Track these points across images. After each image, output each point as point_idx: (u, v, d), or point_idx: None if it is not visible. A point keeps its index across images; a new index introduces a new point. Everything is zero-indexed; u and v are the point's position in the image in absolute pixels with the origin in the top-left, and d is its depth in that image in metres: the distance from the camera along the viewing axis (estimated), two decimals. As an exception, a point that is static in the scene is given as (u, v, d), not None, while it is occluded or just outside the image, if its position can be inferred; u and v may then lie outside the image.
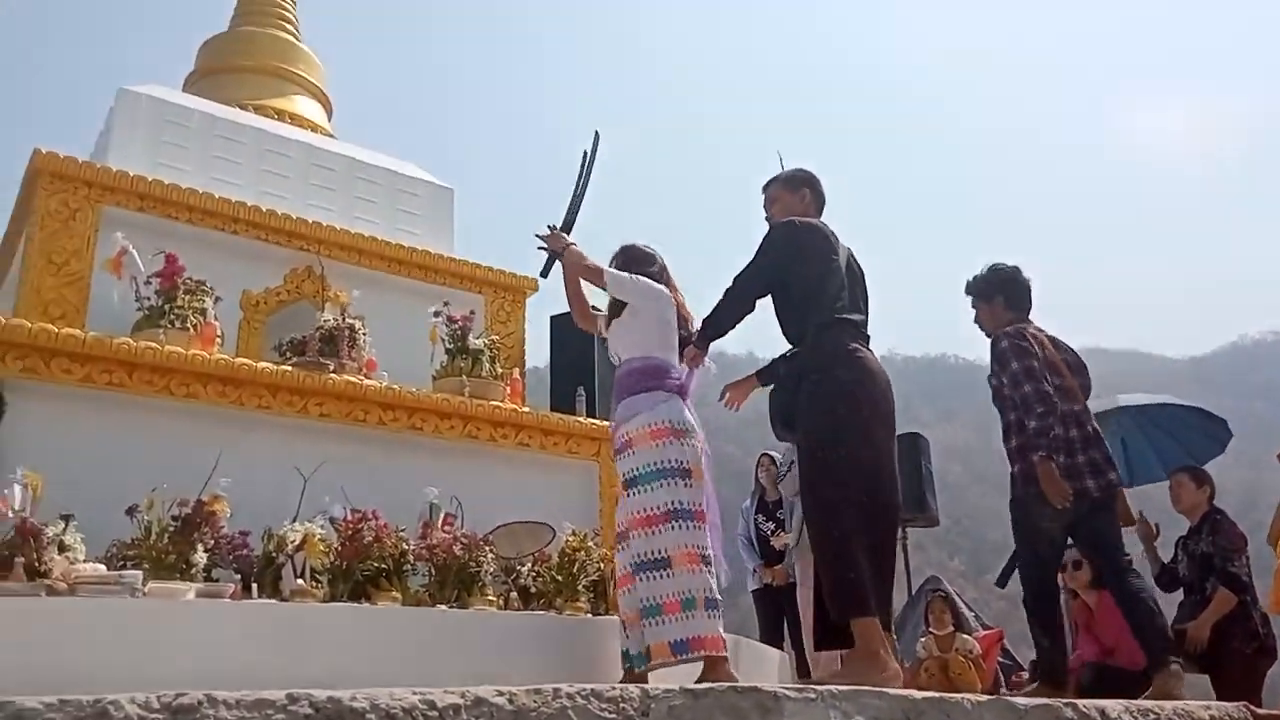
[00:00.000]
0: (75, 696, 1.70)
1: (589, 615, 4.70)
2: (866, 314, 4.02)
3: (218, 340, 5.29)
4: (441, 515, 4.95)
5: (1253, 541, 5.54)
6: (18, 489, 3.94)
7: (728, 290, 4.00)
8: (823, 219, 4.20)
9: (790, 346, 4.02)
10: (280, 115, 7.30)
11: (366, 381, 5.53)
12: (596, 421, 6.46)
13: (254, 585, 4.18)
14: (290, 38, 7.98)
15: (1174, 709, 3.09)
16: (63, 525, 3.97)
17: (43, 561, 3.78)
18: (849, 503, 3.63)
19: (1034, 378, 4.44)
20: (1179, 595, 5.51)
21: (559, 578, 4.83)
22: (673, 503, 3.62)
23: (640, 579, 3.62)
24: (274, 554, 4.27)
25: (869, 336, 3.98)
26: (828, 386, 3.74)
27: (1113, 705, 2.65)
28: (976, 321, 4.82)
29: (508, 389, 6.20)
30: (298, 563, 4.25)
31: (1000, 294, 4.76)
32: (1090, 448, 4.54)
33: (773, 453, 7.38)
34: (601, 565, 5.02)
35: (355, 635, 3.58)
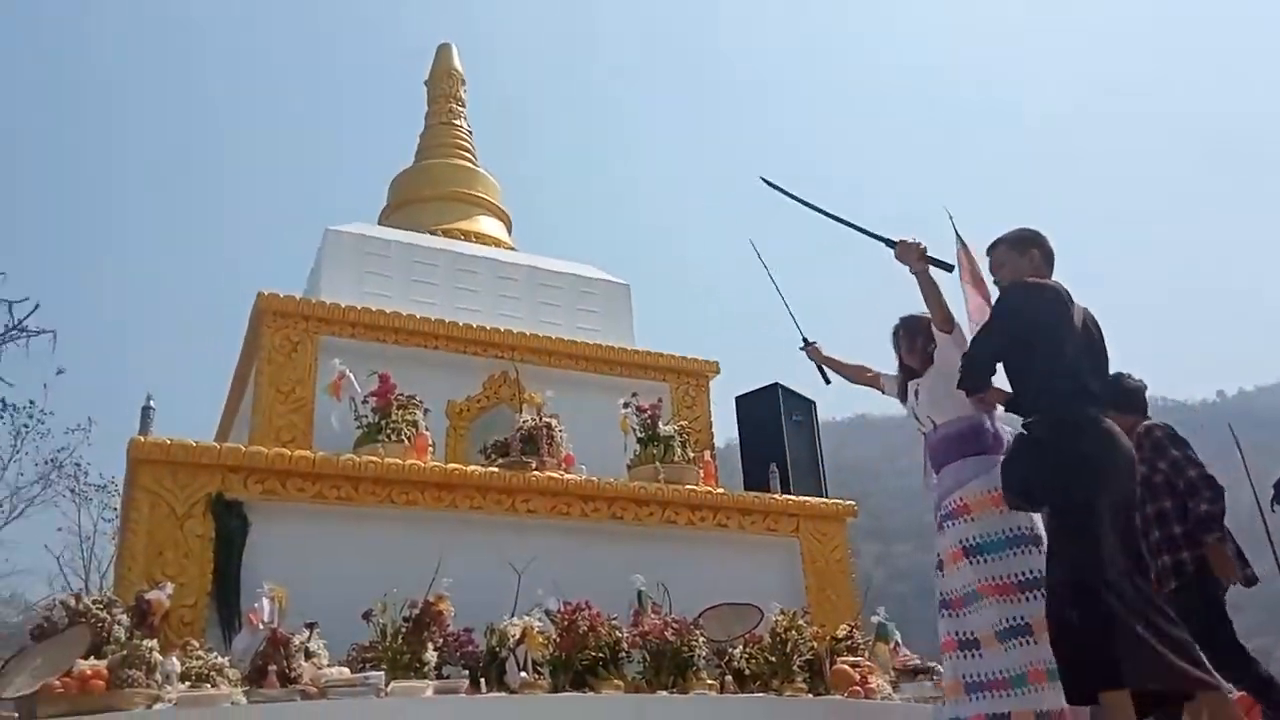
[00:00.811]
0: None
1: (809, 695, 4.63)
2: (1105, 377, 3.82)
3: (430, 449, 5.64)
4: (650, 602, 5.03)
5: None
6: (266, 602, 4.30)
7: (965, 357, 3.87)
8: (1054, 277, 3.96)
9: (1024, 416, 3.78)
10: (466, 236, 7.85)
11: (567, 476, 5.74)
12: (793, 498, 6.43)
13: (481, 680, 4.35)
14: (469, 164, 8.61)
15: None
16: (307, 633, 4.30)
17: (292, 668, 4.09)
18: (1096, 576, 3.36)
19: (1196, 463, 4.51)
20: None
21: (772, 659, 4.80)
22: (1029, 571, 3.58)
23: (1005, 646, 3.54)
24: (497, 648, 4.45)
25: (1109, 402, 3.77)
26: (1070, 460, 3.51)
27: None
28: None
29: (701, 472, 6.28)
30: (520, 656, 4.41)
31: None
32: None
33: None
34: (815, 644, 4.95)
35: (583, 724, 3.66)
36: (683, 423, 6.60)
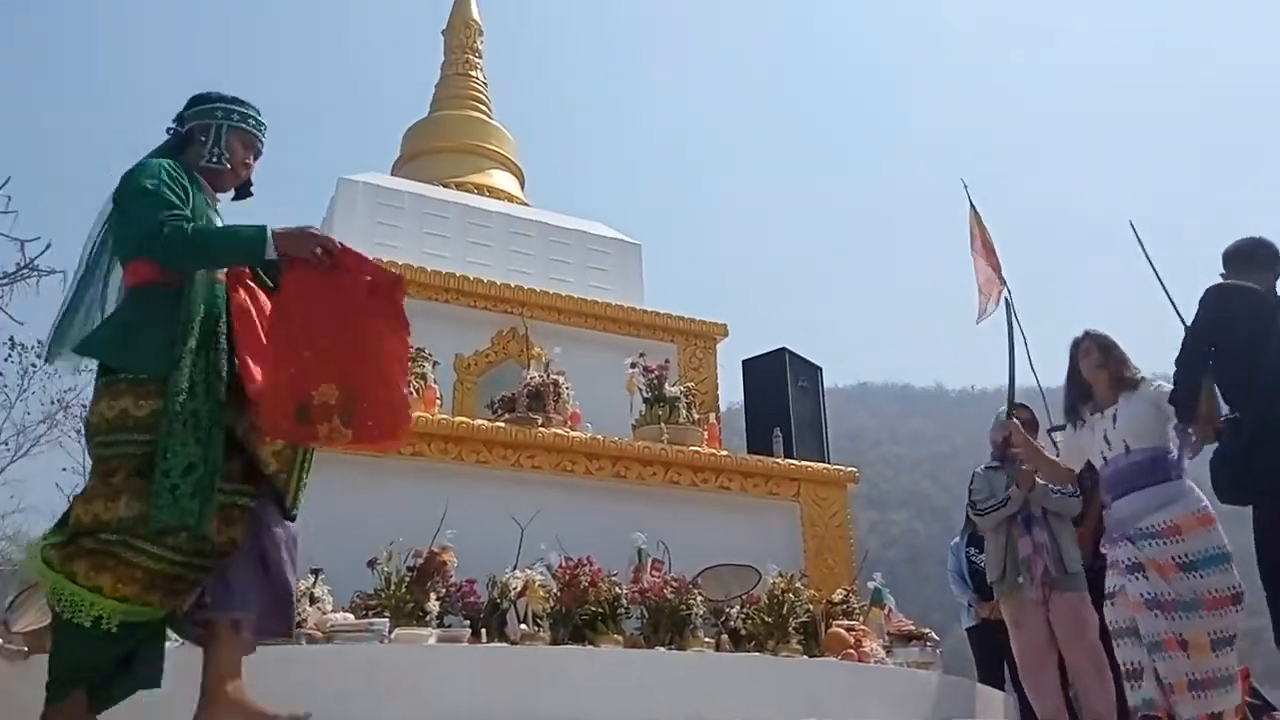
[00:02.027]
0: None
1: (804, 656, 4.70)
2: None
3: (437, 402, 5.68)
4: (649, 560, 5.10)
5: None
6: (273, 547, 4.36)
7: (1177, 364, 3.95)
8: (1267, 278, 4.04)
9: (1230, 411, 3.86)
10: (479, 189, 7.83)
11: (573, 433, 5.79)
12: (796, 462, 6.49)
13: (482, 630, 4.43)
14: (484, 117, 8.56)
15: None
16: (313, 579, 4.37)
17: (298, 613, 4.16)
18: None
19: None
20: None
21: (768, 620, 4.87)
22: (1236, 586, 3.78)
23: (1216, 654, 3.74)
24: (499, 600, 4.53)
25: None
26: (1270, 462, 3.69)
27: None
28: None
29: (705, 434, 6.33)
30: (521, 608, 4.48)
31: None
32: None
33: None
34: (811, 607, 5.02)
35: (583, 676, 3.74)
36: (689, 384, 6.63)
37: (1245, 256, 4.08)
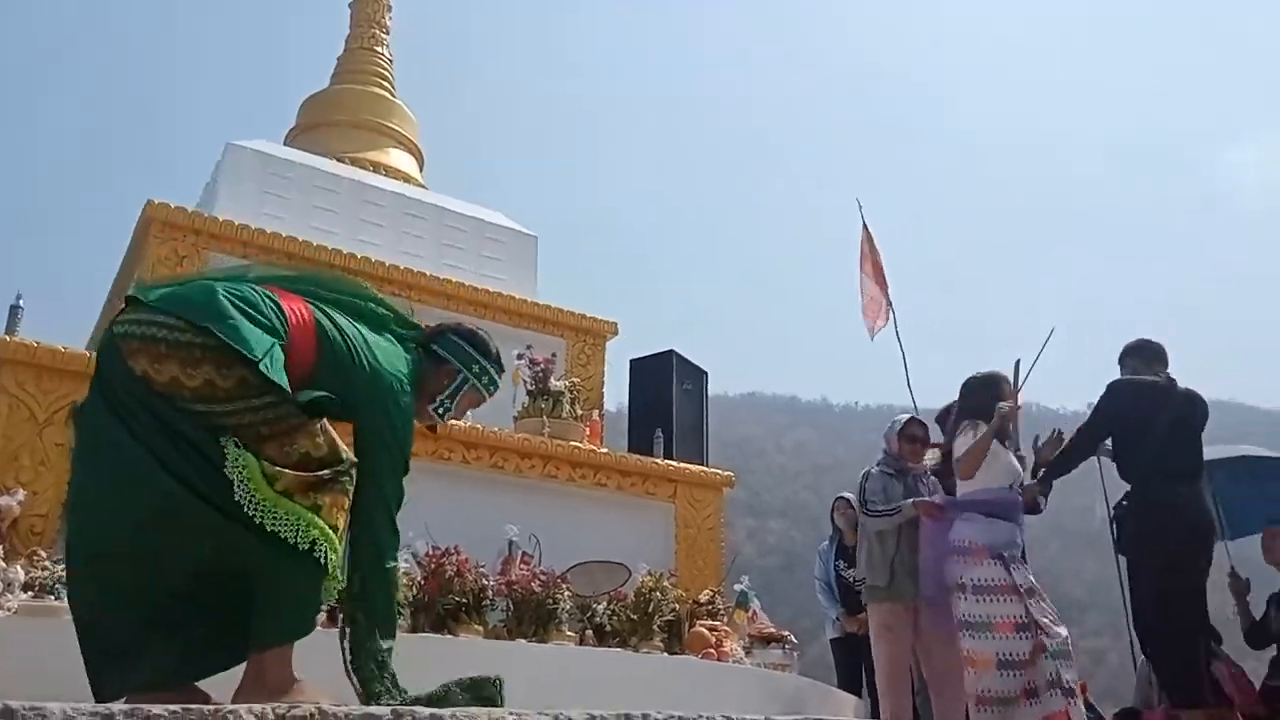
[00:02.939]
0: (196, 706, 1.83)
1: (664, 654, 4.75)
2: (1191, 454, 4.64)
3: (312, 380, 5.52)
4: (520, 552, 5.08)
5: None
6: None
7: (1072, 441, 4.74)
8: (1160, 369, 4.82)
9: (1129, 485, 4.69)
10: (375, 167, 7.66)
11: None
12: (674, 463, 6.55)
13: (340, 616, 4.33)
14: (386, 94, 8.38)
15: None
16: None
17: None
18: (1178, 617, 4.40)
19: None
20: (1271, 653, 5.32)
21: (634, 617, 4.90)
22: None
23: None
24: (361, 586, 4.43)
25: (1192, 475, 4.62)
26: (1162, 529, 4.44)
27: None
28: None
29: (587, 430, 6.33)
30: (383, 595, 4.40)
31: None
32: None
33: (848, 495, 7.33)
34: (677, 606, 5.08)
35: (439, 665, 3.68)
36: (575, 380, 6.63)
37: (1136, 352, 4.87)
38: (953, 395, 4.79)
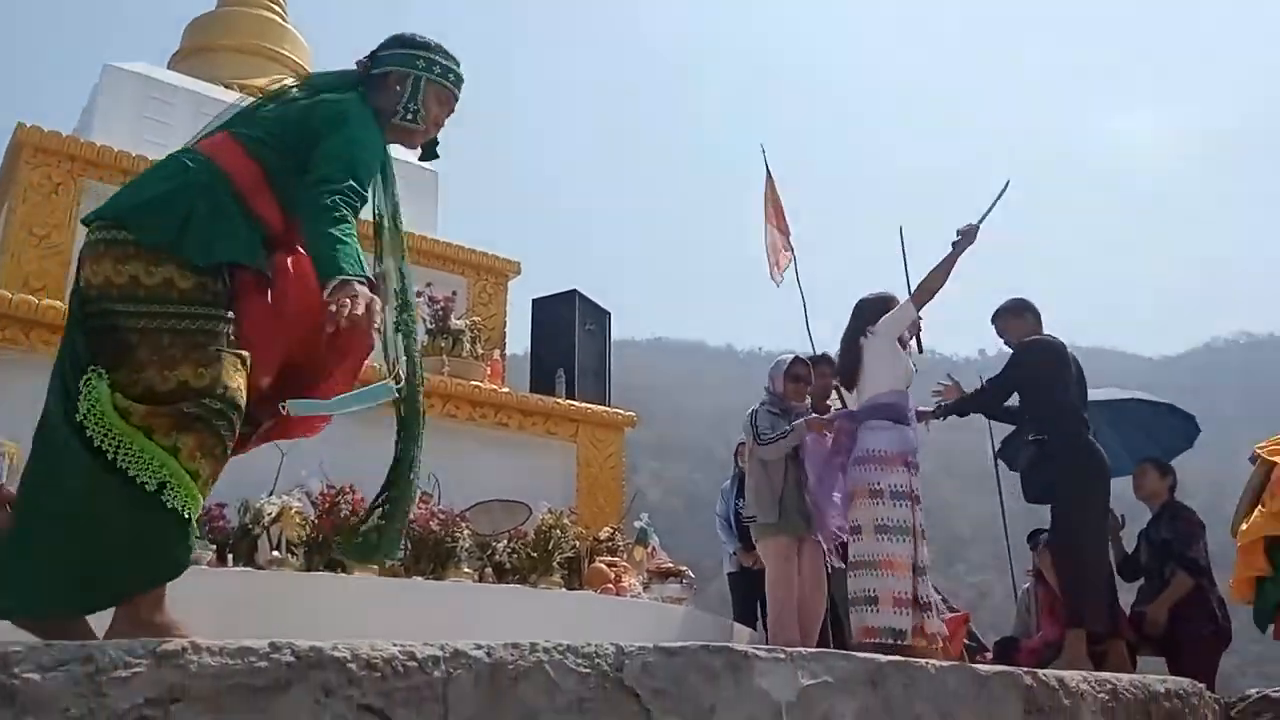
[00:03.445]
0: (58, 642, 1.76)
1: (563, 589, 4.78)
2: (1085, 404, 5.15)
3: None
4: (419, 492, 5.00)
5: (1216, 535, 5.66)
6: (-2, 458, 3.98)
7: (983, 390, 5.14)
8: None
9: (1034, 433, 5.01)
10: (265, 95, 7.31)
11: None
12: (575, 403, 6.53)
13: (230, 555, 4.23)
14: (277, 18, 7.98)
15: (1130, 680, 3.18)
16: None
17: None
18: (1097, 548, 4.93)
19: None
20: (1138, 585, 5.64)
21: (534, 555, 4.91)
22: None
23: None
24: (250, 526, 4.33)
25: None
26: (1082, 475, 4.85)
27: (1072, 675, 2.73)
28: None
29: (488, 370, 6.26)
30: (274, 535, 4.31)
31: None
32: None
33: (750, 438, 7.46)
34: (577, 544, 5.10)
35: (332, 603, 3.64)
36: (476, 319, 6.52)
37: (1030, 309, 5.23)
38: None
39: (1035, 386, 5.03)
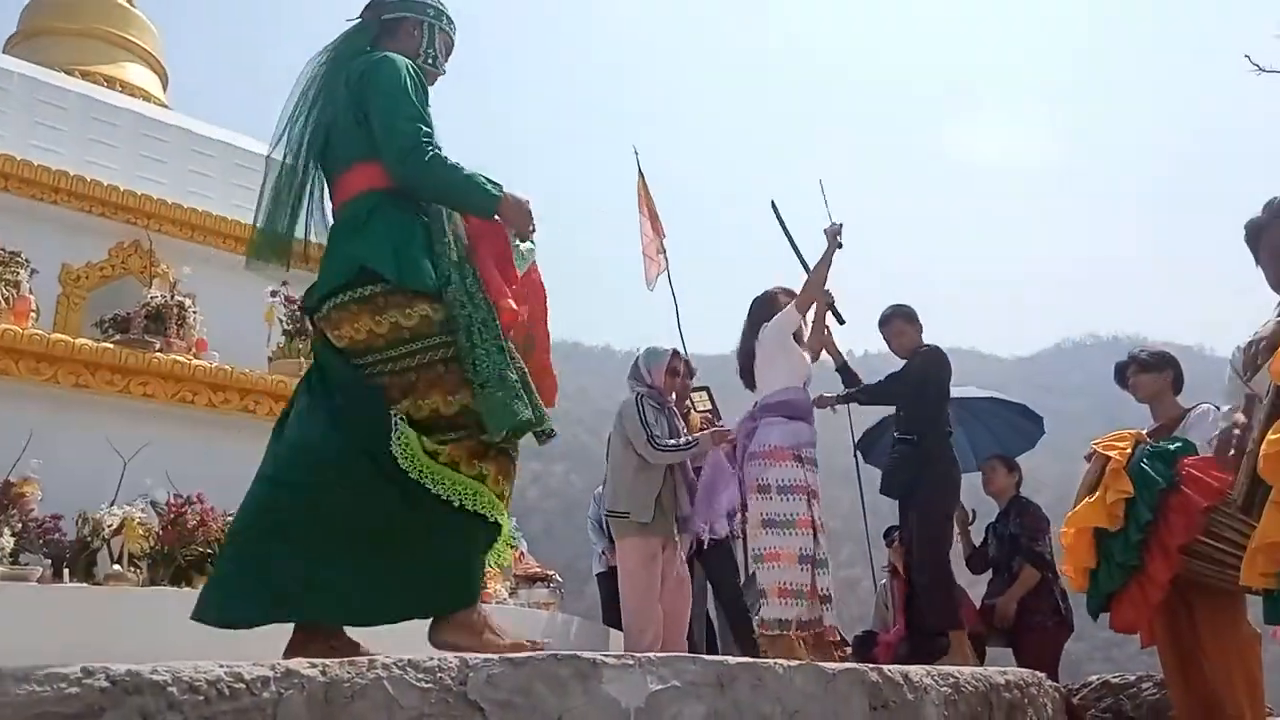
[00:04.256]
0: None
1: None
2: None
3: (33, 315, 5.00)
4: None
5: (1060, 527, 5.95)
6: None
7: (879, 385, 5.31)
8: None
9: (903, 432, 5.17)
10: (110, 82, 6.92)
11: (195, 361, 5.32)
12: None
13: (66, 570, 3.99)
14: (124, 3, 7.57)
15: (972, 673, 3.30)
16: None
17: None
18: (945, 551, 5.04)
19: None
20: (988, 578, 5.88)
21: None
22: None
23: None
24: (89, 538, 4.10)
25: None
26: (945, 479, 5.08)
27: (915, 670, 2.82)
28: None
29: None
30: (115, 547, 4.08)
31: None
32: None
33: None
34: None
35: (177, 620, 3.45)
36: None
37: (916, 318, 5.38)
38: (724, 343, 5.01)
39: (924, 392, 5.18)
